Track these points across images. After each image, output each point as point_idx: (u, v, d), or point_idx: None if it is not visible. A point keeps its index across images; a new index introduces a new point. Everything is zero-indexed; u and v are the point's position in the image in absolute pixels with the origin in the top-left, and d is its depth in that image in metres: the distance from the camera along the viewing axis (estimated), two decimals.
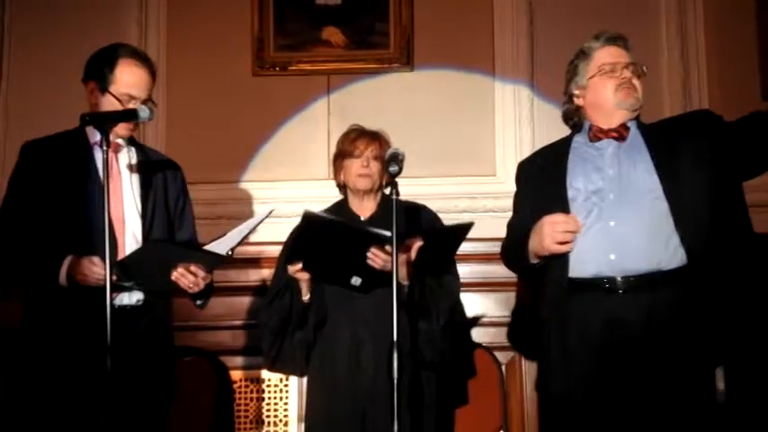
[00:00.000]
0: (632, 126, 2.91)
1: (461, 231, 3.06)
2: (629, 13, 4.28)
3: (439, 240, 3.16)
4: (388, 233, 2.79)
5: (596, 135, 2.90)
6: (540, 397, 3.06)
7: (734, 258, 2.71)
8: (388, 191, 3.15)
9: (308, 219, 2.98)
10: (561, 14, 4.34)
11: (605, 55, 2.92)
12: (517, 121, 4.30)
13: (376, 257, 2.99)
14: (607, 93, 2.89)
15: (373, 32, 4.40)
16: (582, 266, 2.76)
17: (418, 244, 3.04)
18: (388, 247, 2.90)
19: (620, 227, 2.74)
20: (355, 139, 3.31)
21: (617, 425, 2.70)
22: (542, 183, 2.92)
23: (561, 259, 2.78)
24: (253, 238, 3.99)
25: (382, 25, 4.39)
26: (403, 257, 3.01)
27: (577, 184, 2.84)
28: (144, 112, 2.79)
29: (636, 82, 2.89)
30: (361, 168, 3.26)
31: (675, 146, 2.80)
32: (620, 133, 2.87)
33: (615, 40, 2.94)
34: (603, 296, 2.72)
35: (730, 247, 2.71)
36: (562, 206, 2.81)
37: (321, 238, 3.01)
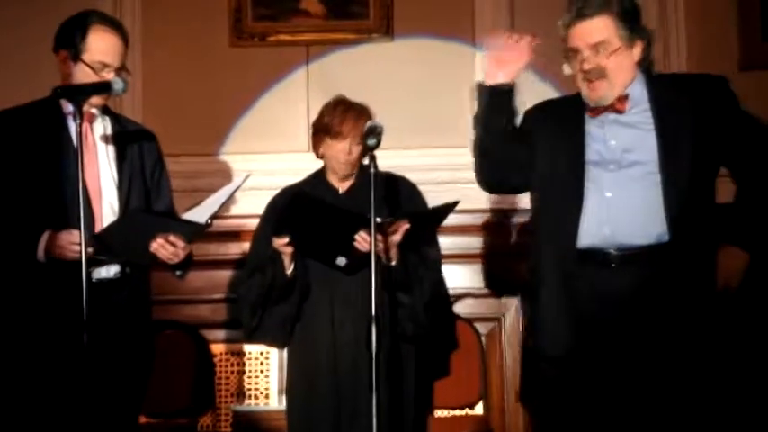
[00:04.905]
0: (637, 88, 2.73)
1: (446, 210, 3.07)
2: None
3: (425, 221, 3.17)
4: (377, 219, 2.75)
5: (595, 112, 2.74)
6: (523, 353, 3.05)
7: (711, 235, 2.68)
8: (366, 161, 3.13)
9: (297, 197, 2.99)
10: None
11: (571, 37, 2.71)
12: None
13: (362, 242, 2.97)
14: (578, 82, 2.74)
15: (352, 2, 4.35)
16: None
17: (405, 227, 3.03)
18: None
19: (616, 199, 2.67)
20: (343, 118, 3.21)
21: (594, 392, 2.68)
22: (559, 133, 2.77)
23: (569, 227, 2.70)
24: (232, 211, 3.99)
25: None
26: (390, 241, 3.01)
27: (589, 149, 2.73)
28: (118, 84, 2.74)
29: (604, 63, 2.66)
30: (344, 155, 3.20)
31: (682, 111, 2.68)
32: (615, 108, 2.71)
33: (579, 15, 2.70)
34: (595, 269, 2.67)
35: (709, 223, 2.69)
36: (576, 171, 2.70)
37: (308, 216, 3.01)
